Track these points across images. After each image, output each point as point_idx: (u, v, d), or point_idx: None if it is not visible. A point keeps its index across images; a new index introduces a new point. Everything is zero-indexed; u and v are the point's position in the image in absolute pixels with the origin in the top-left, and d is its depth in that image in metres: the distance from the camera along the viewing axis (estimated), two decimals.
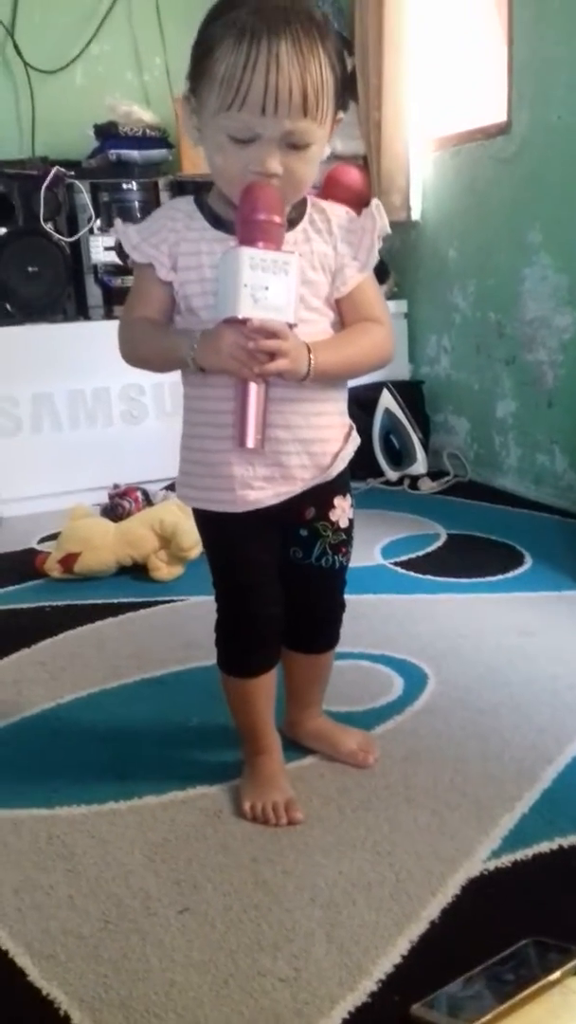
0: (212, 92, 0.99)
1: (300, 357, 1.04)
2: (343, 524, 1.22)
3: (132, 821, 1.23)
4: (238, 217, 1.02)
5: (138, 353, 1.14)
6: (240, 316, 0.99)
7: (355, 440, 1.21)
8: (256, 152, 1.00)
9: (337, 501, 1.21)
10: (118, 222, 1.14)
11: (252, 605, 1.21)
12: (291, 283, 1.00)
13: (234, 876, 1.12)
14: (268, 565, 1.20)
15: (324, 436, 1.16)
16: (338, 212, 1.14)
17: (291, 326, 1.02)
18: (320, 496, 1.18)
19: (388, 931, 1.02)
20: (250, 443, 1.03)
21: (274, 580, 1.21)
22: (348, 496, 1.23)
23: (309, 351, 1.05)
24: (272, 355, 1.01)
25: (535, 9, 2.42)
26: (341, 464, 1.18)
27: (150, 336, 1.12)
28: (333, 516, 1.21)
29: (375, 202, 1.15)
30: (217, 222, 1.10)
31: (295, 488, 1.15)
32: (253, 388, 1.03)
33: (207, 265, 1.08)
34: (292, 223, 1.09)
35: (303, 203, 1.12)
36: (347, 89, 1.03)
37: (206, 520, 1.19)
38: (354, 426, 1.21)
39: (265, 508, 1.14)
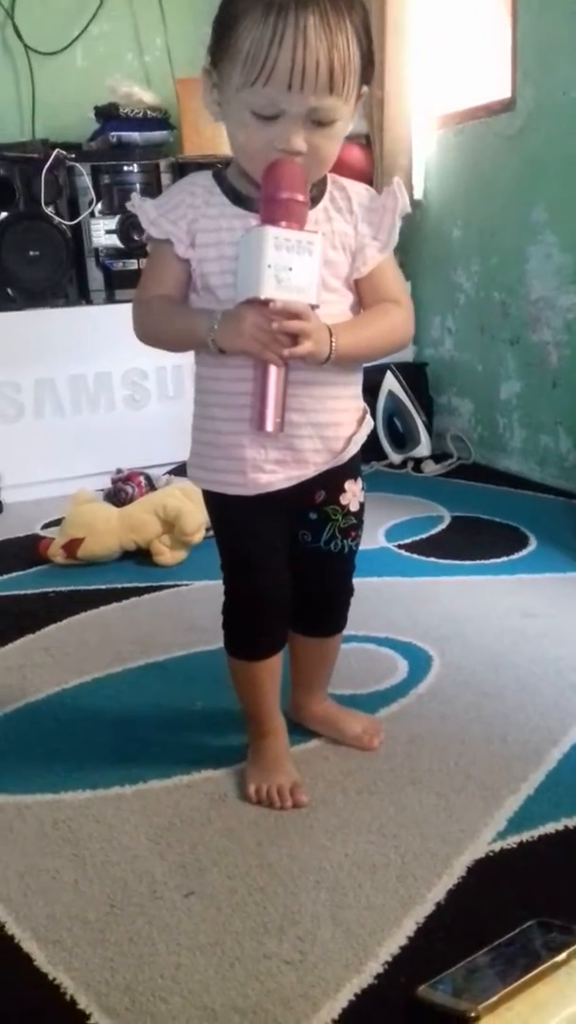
0: (236, 67, 0.97)
1: (322, 339, 1.02)
2: (353, 508, 1.21)
3: (137, 806, 1.23)
4: (261, 195, 1.00)
5: (155, 332, 1.12)
6: (263, 297, 0.97)
7: (368, 424, 1.19)
8: (281, 129, 0.98)
9: (348, 485, 1.20)
10: (135, 196, 1.12)
11: (260, 587, 1.20)
12: (315, 264, 0.99)
13: (239, 859, 1.12)
14: (277, 548, 1.20)
15: (338, 420, 1.15)
16: (359, 190, 1.12)
17: (314, 307, 1.01)
18: (331, 480, 1.17)
19: (394, 913, 1.02)
20: (269, 427, 1.02)
21: (283, 563, 1.20)
22: (359, 480, 1.22)
23: (331, 333, 1.03)
24: (294, 337, 0.99)
25: None
26: (354, 448, 1.17)
27: (168, 315, 1.10)
28: (343, 500, 1.20)
29: (396, 180, 1.13)
30: (237, 199, 1.08)
31: (307, 472, 1.14)
32: (273, 371, 1.01)
33: (227, 242, 1.06)
34: (313, 201, 1.07)
35: (323, 181, 1.09)
36: (371, 63, 1.01)
37: (216, 502, 1.18)
38: (368, 409, 1.20)
39: (276, 491, 1.13)
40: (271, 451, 1.12)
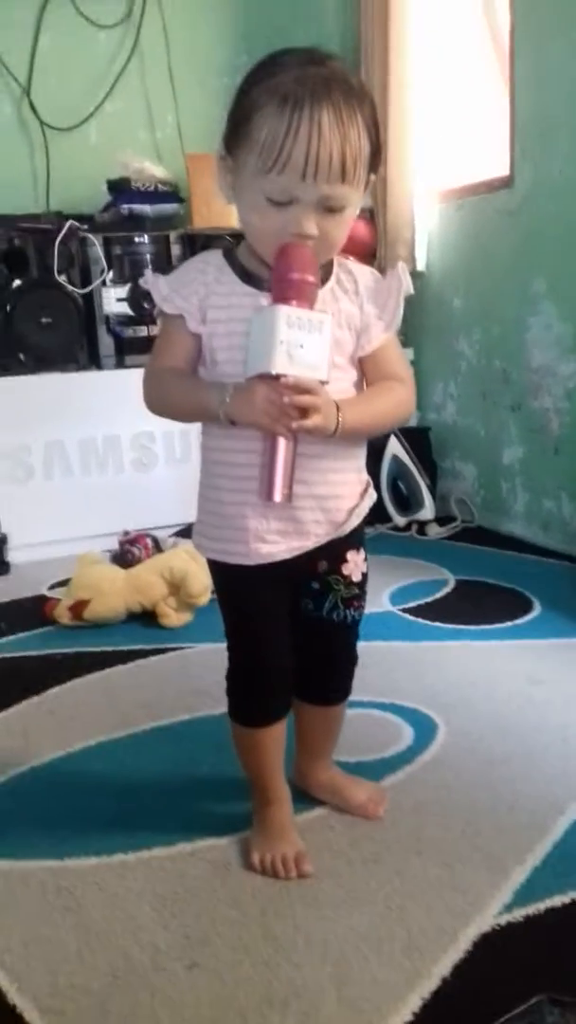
0: (252, 155, 1.01)
1: (330, 414, 1.05)
2: (356, 578, 1.23)
3: (141, 873, 1.23)
4: (273, 275, 1.04)
5: (166, 402, 1.15)
6: (274, 372, 1.01)
7: (371, 496, 1.21)
8: (293, 214, 1.03)
9: (350, 555, 1.21)
10: (148, 272, 1.16)
11: (264, 656, 1.21)
12: (325, 342, 1.03)
13: (243, 930, 1.11)
14: (280, 617, 1.21)
15: (339, 492, 1.17)
16: (364, 273, 1.17)
17: (323, 383, 1.05)
18: (333, 550, 1.19)
19: (399, 988, 1.01)
20: (277, 497, 1.04)
21: (286, 632, 1.22)
22: (361, 550, 1.23)
23: (338, 409, 1.07)
24: (303, 411, 1.03)
25: (535, 65, 2.49)
26: (356, 520, 1.19)
27: (179, 386, 1.13)
28: (346, 570, 1.22)
29: (400, 264, 1.18)
30: (248, 278, 1.12)
31: (308, 543, 1.16)
32: (282, 443, 1.04)
33: (237, 319, 1.10)
34: (320, 282, 1.11)
35: (330, 263, 1.14)
36: (378, 152, 1.06)
37: (220, 570, 1.20)
38: (371, 482, 1.22)
39: (278, 561, 1.15)
40: (273, 522, 1.14)
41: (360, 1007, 0.98)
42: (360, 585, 1.24)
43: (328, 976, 1.03)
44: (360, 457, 1.21)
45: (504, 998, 0.96)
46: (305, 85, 0.98)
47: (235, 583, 1.20)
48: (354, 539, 1.21)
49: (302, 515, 1.15)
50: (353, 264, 1.17)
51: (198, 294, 1.12)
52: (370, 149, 1.04)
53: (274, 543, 1.15)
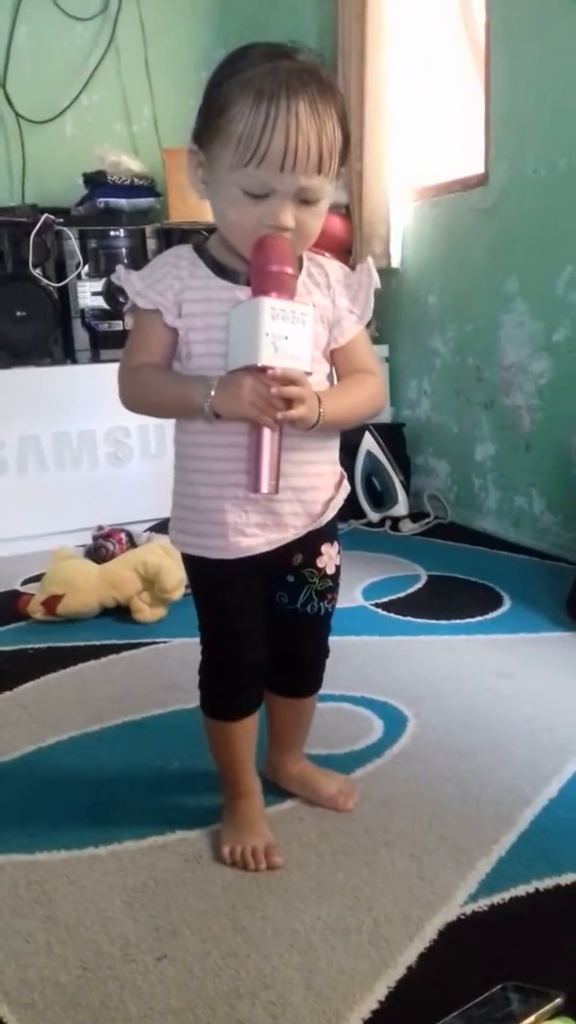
0: (227, 149, 1.02)
1: (313, 405, 1.07)
2: (330, 571, 1.24)
3: (112, 866, 1.23)
4: (252, 268, 1.05)
5: (146, 399, 1.15)
6: (260, 364, 1.02)
7: (346, 488, 1.23)
8: (271, 207, 1.03)
9: (325, 548, 1.23)
10: (120, 268, 1.16)
11: (238, 650, 1.22)
12: (308, 333, 1.04)
13: (213, 922, 1.12)
14: (255, 611, 1.22)
15: (315, 484, 1.19)
16: (334, 267, 1.18)
17: (307, 374, 1.06)
18: (308, 543, 1.20)
19: (366, 977, 1.02)
20: (264, 488, 1.06)
21: (260, 626, 1.23)
22: (335, 543, 1.25)
23: (319, 400, 1.08)
24: (288, 402, 1.04)
25: (511, 64, 2.51)
26: (332, 512, 1.20)
27: (159, 382, 1.13)
28: (320, 563, 1.23)
29: (369, 259, 1.20)
30: (221, 271, 1.12)
31: (287, 535, 1.17)
32: (267, 434, 1.05)
33: (215, 312, 1.10)
34: None
35: (300, 257, 1.15)
36: (348, 144, 1.08)
37: (195, 565, 1.21)
38: (345, 474, 1.24)
39: (256, 555, 1.16)
40: (252, 515, 1.15)
41: (327, 996, 1.00)
42: (334, 578, 1.25)
43: (296, 966, 1.04)
44: (334, 449, 1.22)
45: (469, 986, 0.97)
46: (279, 78, 0.99)
47: (211, 577, 1.20)
48: (328, 532, 1.22)
49: (280, 507, 1.15)
50: (322, 258, 1.18)
51: (173, 288, 1.12)
52: (342, 140, 1.05)
53: (253, 536, 1.15)
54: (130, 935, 1.10)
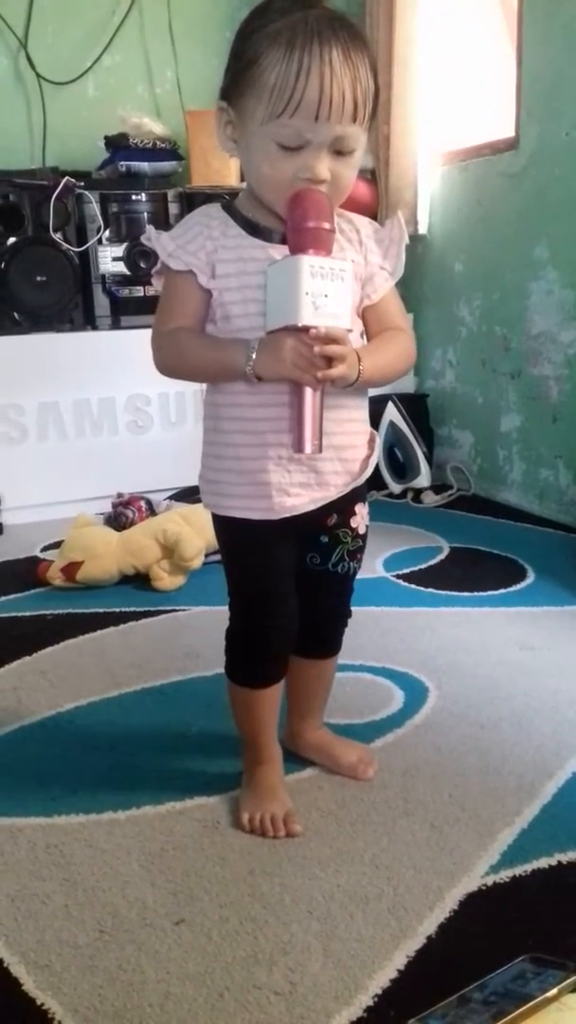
0: (260, 102, 0.99)
1: (353, 363, 1.05)
2: (361, 531, 1.23)
3: (130, 831, 1.23)
4: (289, 225, 1.02)
5: (183, 364, 1.13)
6: (301, 324, 1.00)
7: (379, 446, 1.22)
8: (306, 159, 1.01)
9: (358, 508, 1.22)
10: (151, 229, 1.13)
11: (272, 614, 1.20)
12: (347, 290, 1.02)
13: (231, 888, 1.11)
14: (289, 574, 1.21)
15: (354, 442, 1.17)
16: (363, 222, 1.15)
17: (348, 331, 1.04)
18: (343, 503, 1.19)
19: (385, 946, 1.01)
20: (308, 448, 1.05)
21: (293, 590, 1.21)
22: (367, 503, 1.24)
23: (359, 358, 1.06)
24: (329, 361, 1.02)
25: (544, 26, 2.44)
26: (370, 469, 1.19)
27: (197, 347, 1.11)
28: (354, 523, 1.22)
29: (400, 214, 1.18)
30: (254, 229, 1.09)
31: (330, 494, 1.16)
32: (310, 394, 1.04)
33: (250, 272, 1.07)
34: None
35: None
36: (378, 95, 1.05)
37: (232, 528, 1.18)
38: (375, 433, 1.22)
39: (298, 515, 1.14)
40: (296, 475, 1.13)
41: (346, 964, 0.99)
42: (364, 537, 1.24)
43: (314, 933, 1.03)
44: (366, 407, 1.21)
45: (488, 957, 0.96)
46: (310, 26, 0.97)
47: (247, 540, 1.18)
48: (361, 491, 1.21)
49: (322, 466, 1.14)
50: (351, 214, 1.15)
51: (205, 249, 1.09)
52: (373, 88, 1.02)
53: (297, 496, 1.14)
54: (148, 899, 1.10)
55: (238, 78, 1.02)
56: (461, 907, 1.07)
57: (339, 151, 1.02)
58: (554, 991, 0.90)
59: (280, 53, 0.97)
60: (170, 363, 1.13)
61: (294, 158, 1.01)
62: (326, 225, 1.01)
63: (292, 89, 0.97)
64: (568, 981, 0.92)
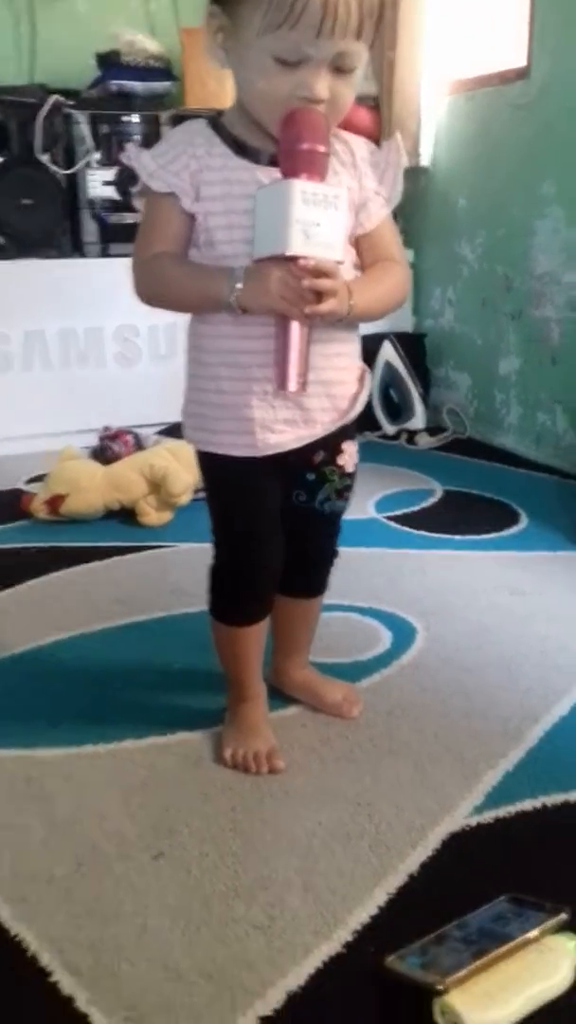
0: (257, 10, 0.92)
1: (344, 297, 0.99)
2: (349, 469, 1.19)
3: (110, 765, 1.21)
4: (281, 146, 0.96)
5: (164, 293, 1.07)
6: (290, 253, 0.94)
7: (369, 382, 1.17)
8: (304, 76, 0.94)
9: (346, 446, 1.18)
10: (131, 147, 1.06)
11: (257, 552, 1.17)
12: (341, 218, 0.96)
13: (211, 823, 1.10)
14: (274, 512, 1.17)
15: (343, 378, 1.13)
16: (360, 144, 1.09)
17: (339, 263, 0.99)
18: (330, 440, 1.15)
19: (365, 882, 1.00)
20: (292, 386, 1.00)
21: (278, 528, 1.18)
22: (355, 441, 1.20)
23: (349, 291, 1.01)
24: (318, 294, 0.96)
25: None
26: (359, 407, 1.15)
27: (179, 274, 1.05)
28: (341, 461, 1.18)
29: (397, 135, 1.11)
30: (241, 149, 1.03)
31: (316, 431, 1.12)
32: (296, 329, 0.99)
33: (236, 195, 1.01)
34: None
35: None
36: (384, 8, 0.97)
37: (215, 464, 1.14)
38: (367, 368, 1.17)
39: (282, 452, 1.10)
40: (280, 411, 1.08)
41: (326, 900, 0.98)
42: (351, 476, 1.21)
43: (295, 869, 1.02)
44: (357, 341, 1.16)
45: (470, 897, 0.95)
46: None
47: (231, 477, 1.14)
48: (349, 429, 1.17)
49: (309, 402, 1.09)
50: (347, 134, 1.08)
51: (189, 168, 1.03)
52: (379, 1, 0.94)
53: (281, 432, 1.09)
54: (127, 833, 1.08)
55: None
56: (443, 846, 1.06)
57: (339, 68, 0.95)
58: (535, 932, 0.89)
59: None
60: (151, 291, 1.08)
61: (291, 74, 0.94)
62: (321, 148, 0.95)
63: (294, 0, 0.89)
64: (549, 922, 0.91)
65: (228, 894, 0.99)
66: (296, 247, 0.94)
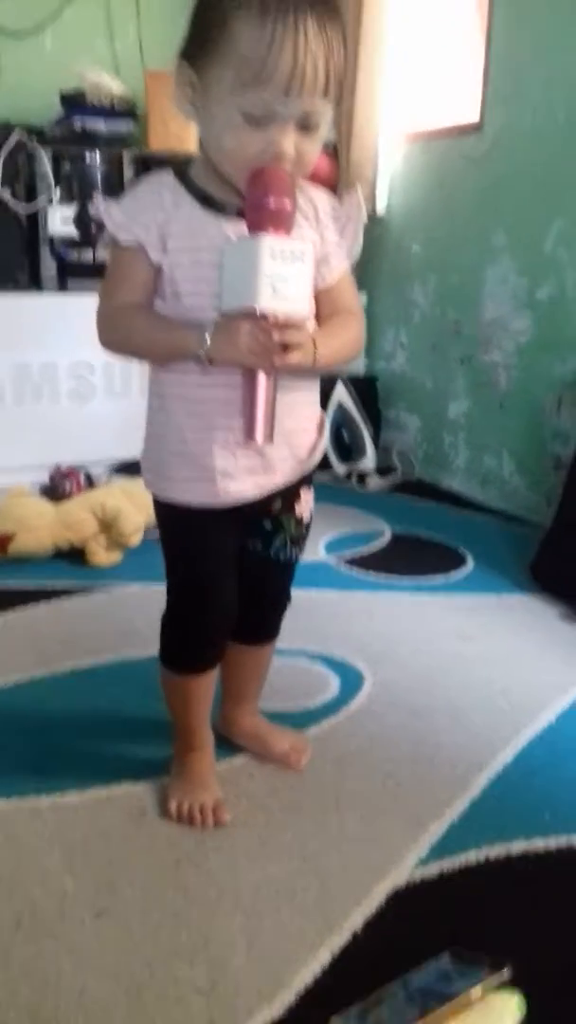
0: (228, 69, 0.94)
1: (310, 349, 1.01)
2: (306, 518, 1.20)
3: (52, 818, 1.19)
4: (249, 202, 0.98)
5: (131, 343, 1.08)
6: (259, 308, 0.95)
7: (327, 431, 1.18)
8: (272, 133, 0.96)
9: (303, 493, 1.19)
10: (99, 198, 1.07)
11: (211, 600, 1.17)
12: (307, 273, 0.97)
13: (155, 879, 1.08)
14: (230, 562, 1.17)
15: (303, 426, 1.14)
16: (322, 198, 1.11)
17: (305, 317, 1.01)
18: (288, 488, 1.16)
19: (310, 941, 1.00)
20: (259, 437, 1.01)
21: (234, 577, 1.18)
22: (312, 488, 1.21)
23: (314, 343, 1.02)
24: (286, 347, 0.98)
25: (515, 11, 2.41)
26: (318, 456, 1.16)
27: (147, 327, 1.06)
28: (298, 509, 1.19)
29: (359, 190, 1.13)
30: (208, 202, 1.04)
31: (276, 480, 1.12)
32: (263, 381, 1.00)
33: (202, 248, 1.02)
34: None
35: None
36: (345, 68, 1.00)
37: (172, 513, 1.14)
38: (324, 417, 1.19)
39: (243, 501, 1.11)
40: (241, 460, 1.09)
41: (270, 960, 0.97)
42: (307, 525, 1.21)
43: (239, 927, 1.01)
44: (316, 390, 1.17)
45: (414, 954, 0.95)
46: None
47: (189, 525, 1.14)
48: (307, 476, 1.18)
49: (270, 451, 1.10)
50: (310, 188, 1.10)
51: (156, 221, 1.04)
52: (344, 62, 0.97)
53: (242, 481, 1.10)
54: (68, 890, 1.06)
55: (203, 41, 0.96)
56: (388, 902, 1.06)
57: (305, 126, 0.97)
58: (478, 990, 0.90)
59: (253, 21, 0.91)
60: (117, 341, 1.08)
61: (260, 131, 0.96)
62: (288, 204, 0.97)
63: (264, 60, 0.91)
64: (492, 979, 0.92)
65: (170, 955, 0.97)
66: (265, 302, 0.95)
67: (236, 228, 1.01)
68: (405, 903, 1.06)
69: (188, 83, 0.99)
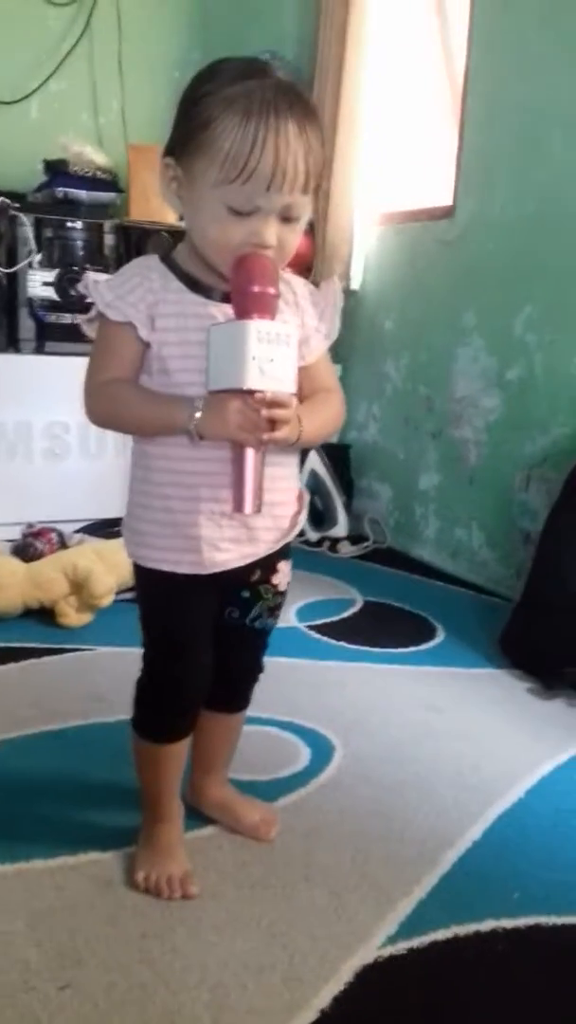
0: (212, 165, 0.99)
1: (295, 425, 1.05)
2: (283, 588, 1.22)
3: (17, 885, 1.16)
4: (233, 288, 1.02)
5: (118, 417, 1.11)
6: (247, 387, 0.99)
7: (307, 502, 1.21)
8: (255, 224, 1.01)
9: (281, 565, 1.20)
10: (88, 275, 1.11)
11: (187, 669, 1.17)
12: (292, 354, 1.02)
13: (120, 951, 1.06)
14: (208, 631, 1.18)
15: (284, 499, 1.16)
16: (300, 284, 1.16)
17: (292, 395, 1.04)
18: (267, 559, 1.17)
19: (277, 1018, 0.98)
20: (248, 509, 1.04)
21: (210, 646, 1.19)
22: (289, 560, 1.23)
23: (299, 419, 1.06)
24: (272, 423, 1.01)
25: (488, 102, 2.54)
26: (299, 526, 1.18)
27: (136, 402, 1.09)
28: (275, 580, 1.20)
29: (335, 277, 1.19)
30: (194, 285, 1.09)
31: (259, 550, 1.14)
32: (251, 455, 1.03)
33: (191, 328, 1.06)
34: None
35: None
36: (325, 162, 1.06)
37: (156, 581, 1.15)
38: (304, 490, 1.22)
39: (227, 570, 1.13)
40: (227, 530, 1.11)
41: None
42: (284, 594, 1.23)
43: (204, 1003, 0.99)
44: (296, 464, 1.20)
45: None
46: (266, 97, 0.97)
47: (169, 594, 1.15)
48: (285, 548, 1.20)
49: (254, 522, 1.12)
50: (288, 275, 1.15)
51: (145, 300, 1.08)
52: (322, 159, 1.03)
53: (227, 551, 1.12)
54: (32, 961, 1.04)
55: (188, 139, 1.01)
56: (356, 979, 1.05)
57: (287, 218, 1.03)
58: None
59: (236, 120, 0.97)
60: (106, 415, 1.11)
61: (243, 223, 1.01)
62: (271, 290, 1.01)
63: (247, 158, 0.97)
64: None
65: None
66: (253, 382, 0.99)
67: (223, 311, 1.05)
68: (374, 980, 1.05)
69: (173, 177, 1.05)
